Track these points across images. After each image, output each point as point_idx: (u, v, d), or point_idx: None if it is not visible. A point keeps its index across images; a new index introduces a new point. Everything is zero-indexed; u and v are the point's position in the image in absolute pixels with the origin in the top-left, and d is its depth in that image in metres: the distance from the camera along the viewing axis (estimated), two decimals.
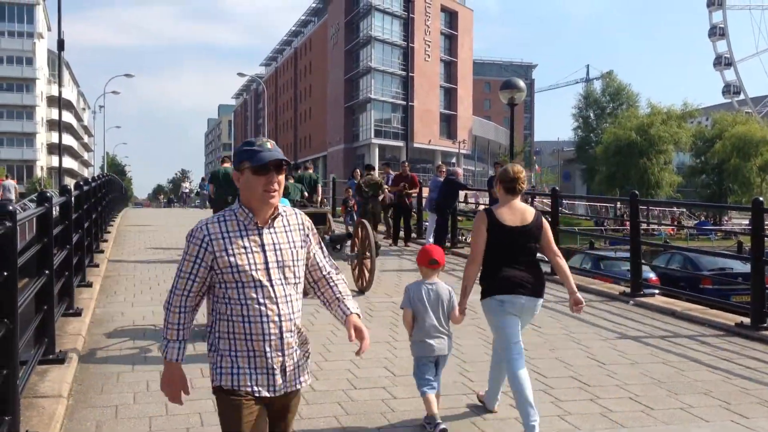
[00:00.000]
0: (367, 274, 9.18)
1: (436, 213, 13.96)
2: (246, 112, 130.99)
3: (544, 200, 49.12)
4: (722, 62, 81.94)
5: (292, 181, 13.19)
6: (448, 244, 14.29)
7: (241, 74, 59.60)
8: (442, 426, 4.33)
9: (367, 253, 9.20)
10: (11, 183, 27.22)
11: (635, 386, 5.29)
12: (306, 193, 12.75)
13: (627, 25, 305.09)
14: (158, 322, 7.21)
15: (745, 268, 17.09)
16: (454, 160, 76.87)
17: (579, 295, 4.66)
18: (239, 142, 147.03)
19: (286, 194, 9.84)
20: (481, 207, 12.65)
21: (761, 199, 7.59)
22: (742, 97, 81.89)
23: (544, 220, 4.75)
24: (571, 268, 12.64)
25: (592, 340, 6.79)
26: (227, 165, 12.90)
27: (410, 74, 26.17)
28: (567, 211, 48.07)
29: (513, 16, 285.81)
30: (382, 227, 16.19)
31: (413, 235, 16.48)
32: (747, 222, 49.09)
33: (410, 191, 15.50)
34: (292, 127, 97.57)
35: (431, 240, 14.18)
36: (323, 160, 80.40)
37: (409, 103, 26.00)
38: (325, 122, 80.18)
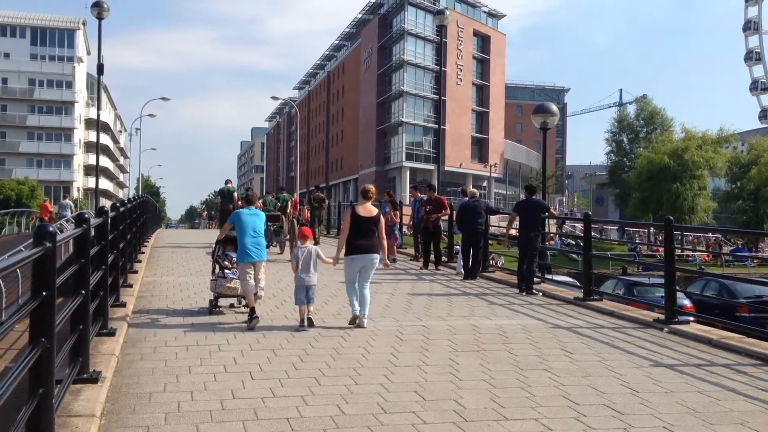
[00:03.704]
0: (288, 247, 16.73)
1: (462, 234, 13.92)
2: (279, 135, 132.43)
3: (576, 224, 48.73)
4: (759, 87, 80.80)
5: (270, 197, 20.09)
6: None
7: (274, 97, 60.34)
8: (306, 327, 8.08)
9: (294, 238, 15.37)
10: (68, 202, 28.94)
11: (670, 415, 5.19)
12: (279, 205, 19.10)
13: (655, 50, 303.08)
14: (189, 343, 7.27)
15: None
16: (485, 184, 76.69)
17: (387, 261, 9.16)
18: (272, 164, 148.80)
19: (264, 206, 18.23)
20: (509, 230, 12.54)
21: None
22: None
23: (381, 216, 8.74)
24: (604, 293, 12.52)
25: (625, 367, 6.68)
26: (230, 185, 19.84)
27: (442, 98, 26.22)
28: (599, 236, 47.51)
29: (537, 44, 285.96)
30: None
31: (444, 258, 16.42)
32: None
33: (438, 215, 15.44)
34: (323, 149, 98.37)
35: (462, 263, 14.13)
36: (354, 182, 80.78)
37: (441, 127, 26.04)
38: (357, 145, 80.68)
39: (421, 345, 7.46)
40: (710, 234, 52.09)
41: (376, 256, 8.48)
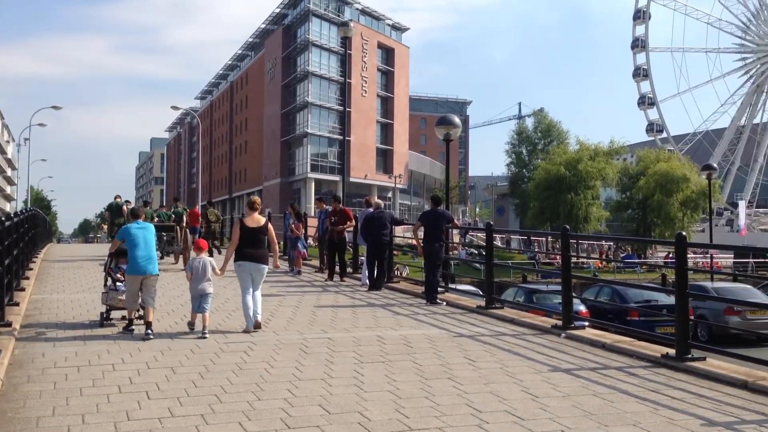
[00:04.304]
0: (182, 259, 17.53)
1: (366, 245, 13.95)
2: (180, 146, 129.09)
3: (479, 234, 49.85)
4: (646, 102, 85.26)
5: (164, 210, 21.70)
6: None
7: (175, 107, 58.76)
8: (204, 334, 8.38)
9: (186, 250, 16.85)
10: None
11: (567, 419, 5.35)
12: (173, 217, 19.65)
13: (551, 66, 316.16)
14: (81, 363, 6.91)
15: (669, 300, 17.69)
16: (390, 195, 77.42)
17: (279, 263, 10.19)
18: (172, 175, 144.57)
19: (159, 218, 19.50)
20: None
21: (684, 233, 7.87)
22: (664, 135, 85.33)
23: (270, 225, 9.40)
24: (505, 301, 12.83)
25: (526, 373, 6.85)
26: (119, 200, 20.53)
27: (347, 109, 26.30)
28: (501, 245, 48.83)
29: (440, 58, 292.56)
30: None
31: (349, 269, 16.41)
32: (664, 255, 50.92)
33: (343, 226, 15.43)
34: (227, 160, 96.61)
35: (367, 274, 14.15)
36: (259, 194, 79.68)
37: (346, 138, 26.12)
38: (261, 156, 79.72)
39: (326, 357, 7.39)
40: (603, 242, 54.55)
41: (264, 267, 9.06)
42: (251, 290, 8.90)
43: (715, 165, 38.32)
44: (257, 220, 9.16)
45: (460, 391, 6.07)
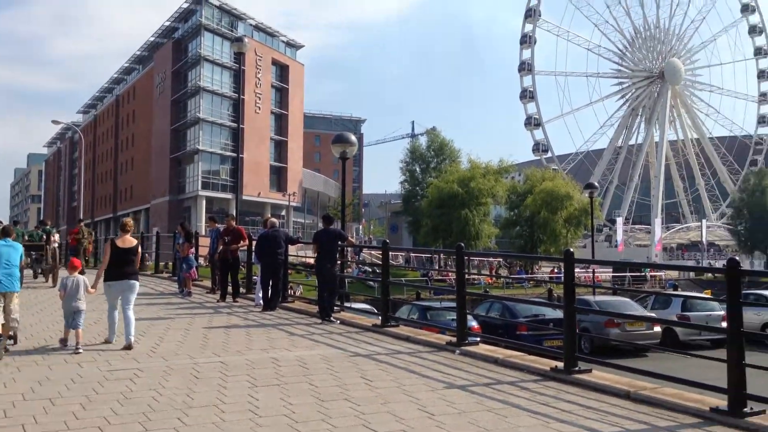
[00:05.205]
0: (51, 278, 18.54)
1: (261, 265, 13.74)
2: (59, 162, 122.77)
3: (373, 252, 50.15)
4: (532, 122, 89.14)
5: (35, 230, 21.42)
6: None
7: (55, 122, 55.92)
8: (78, 349, 8.70)
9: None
10: None
11: None
12: (44, 236, 19.80)
13: (442, 86, 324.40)
14: None
15: (555, 314, 18.41)
16: (284, 213, 76.70)
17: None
18: (51, 193, 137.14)
19: (31, 238, 20.14)
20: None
21: (572, 250, 8.19)
22: (549, 154, 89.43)
23: (139, 246, 9.78)
24: (400, 319, 12.94)
25: (422, 391, 6.88)
26: None
27: (240, 126, 25.92)
28: (395, 263, 49.35)
29: (335, 76, 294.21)
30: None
31: (242, 290, 16.05)
32: (550, 270, 53.19)
33: (237, 246, 15.12)
34: (111, 178, 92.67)
35: (260, 295, 13.89)
36: (145, 212, 76.95)
37: (239, 155, 25.64)
38: (149, 173, 77.02)
39: (218, 382, 7.14)
40: (492, 258, 56.24)
41: (135, 282, 9.51)
42: (118, 308, 9.43)
43: (596, 184, 40.43)
44: (129, 241, 9.61)
45: (357, 412, 6.01)
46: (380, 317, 11.52)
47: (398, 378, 7.49)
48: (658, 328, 20.87)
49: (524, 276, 50.08)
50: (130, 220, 10.18)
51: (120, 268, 9.37)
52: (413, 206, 66.81)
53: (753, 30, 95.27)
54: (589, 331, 19.82)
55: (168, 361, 8.22)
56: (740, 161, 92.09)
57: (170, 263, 22.16)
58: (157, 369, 7.78)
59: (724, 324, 6.44)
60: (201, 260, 20.08)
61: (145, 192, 77.74)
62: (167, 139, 73.50)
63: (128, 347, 8.94)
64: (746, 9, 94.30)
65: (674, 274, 51.17)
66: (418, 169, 68.84)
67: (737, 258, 6.75)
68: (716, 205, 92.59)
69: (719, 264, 61.66)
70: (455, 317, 9.95)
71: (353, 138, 15.60)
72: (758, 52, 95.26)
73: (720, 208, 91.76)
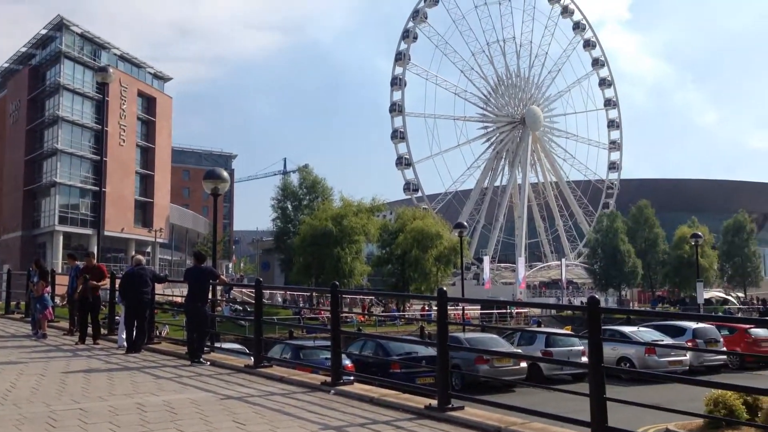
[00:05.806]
0: None
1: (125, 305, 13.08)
2: None
3: (245, 290, 49.05)
4: (403, 162, 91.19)
5: None
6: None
7: None
8: None
9: None
10: None
11: None
12: None
13: (315, 124, 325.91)
14: None
15: (427, 351, 18.71)
16: (149, 249, 73.57)
17: None
18: None
19: None
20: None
21: (445, 288, 8.36)
22: (419, 194, 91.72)
23: None
24: (273, 359, 12.66)
25: None
26: None
27: (103, 158, 24.77)
28: (268, 301, 48.46)
29: (205, 110, 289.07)
30: None
31: (104, 331, 15.14)
32: (421, 308, 54.25)
33: (97, 284, 14.29)
34: None
35: (124, 336, 13.17)
36: None
37: (102, 189, 24.46)
38: (0, 206, 71.69)
39: (77, 431, 6.63)
40: (365, 296, 56.56)
41: None
42: None
43: (465, 223, 41.84)
44: None
45: None
46: (253, 357, 11.21)
47: (272, 421, 7.27)
48: (524, 364, 21.68)
49: (396, 314, 50.64)
50: None
51: None
52: (285, 244, 66.10)
53: (603, 83, 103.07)
54: (461, 367, 20.27)
55: (21, 409, 7.56)
56: (594, 204, 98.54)
57: (23, 303, 20.58)
58: (8, 418, 7.13)
59: (585, 359, 6.77)
60: (57, 299, 18.83)
61: None
62: (21, 170, 68.93)
63: None
64: (596, 63, 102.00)
65: (538, 311, 53.53)
66: (290, 206, 68.36)
67: (596, 296, 7.15)
68: (574, 245, 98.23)
69: (578, 301, 65.36)
70: (329, 356, 9.85)
71: (225, 174, 15.34)
72: (608, 103, 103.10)
73: (577, 248, 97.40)
